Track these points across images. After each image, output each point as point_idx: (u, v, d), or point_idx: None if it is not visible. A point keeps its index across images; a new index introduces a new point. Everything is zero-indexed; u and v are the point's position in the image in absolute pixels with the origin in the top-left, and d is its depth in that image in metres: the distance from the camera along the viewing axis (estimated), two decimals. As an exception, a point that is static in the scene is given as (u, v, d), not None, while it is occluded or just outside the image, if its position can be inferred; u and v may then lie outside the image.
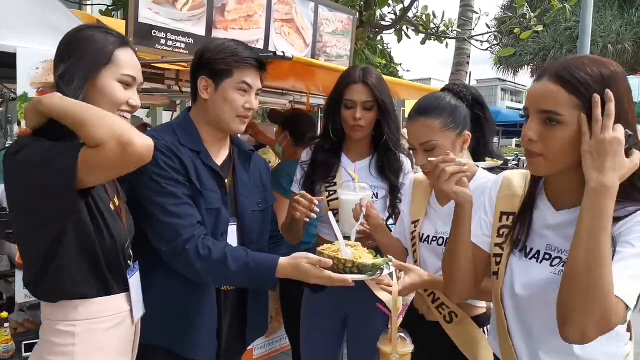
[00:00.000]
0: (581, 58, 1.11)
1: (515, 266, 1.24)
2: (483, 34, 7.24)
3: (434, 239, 1.68)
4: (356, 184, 1.88)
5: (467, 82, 8.95)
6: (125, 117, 1.35)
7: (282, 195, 2.53)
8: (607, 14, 17.29)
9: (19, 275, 2.11)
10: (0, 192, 2.96)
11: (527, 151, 1.14)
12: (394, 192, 2.04)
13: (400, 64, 9.69)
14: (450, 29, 6.72)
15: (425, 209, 1.74)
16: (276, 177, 2.64)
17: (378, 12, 6.13)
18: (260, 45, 2.86)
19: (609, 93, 1.03)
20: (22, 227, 1.27)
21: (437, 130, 1.56)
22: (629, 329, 1.22)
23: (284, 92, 3.92)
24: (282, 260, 1.48)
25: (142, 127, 4.14)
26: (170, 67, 2.82)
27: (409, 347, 1.44)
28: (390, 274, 1.51)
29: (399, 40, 6.45)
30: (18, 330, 2.19)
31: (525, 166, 1.26)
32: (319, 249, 1.53)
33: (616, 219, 1.05)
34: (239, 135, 1.89)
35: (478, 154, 1.69)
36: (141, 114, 6.30)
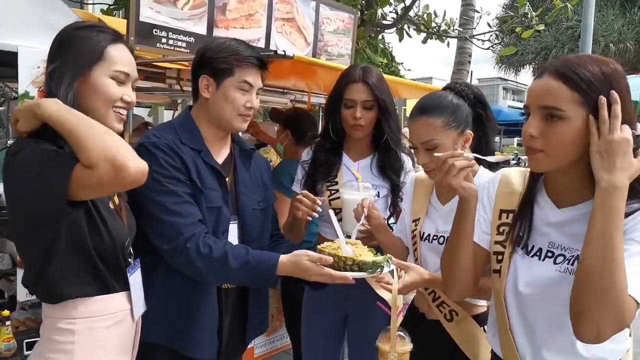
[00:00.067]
0: (582, 56, 1.13)
1: (518, 264, 1.24)
2: (484, 33, 7.23)
3: (435, 237, 1.68)
4: (359, 183, 1.88)
5: (468, 81, 8.94)
6: (121, 114, 1.34)
7: (283, 194, 2.53)
8: (609, 13, 17.27)
9: (20, 274, 2.12)
10: (0, 190, 2.96)
11: (528, 148, 1.14)
12: (395, 191, 2.04)
13: (402, 63, 9.70)
14: (451, 28, 6.71)
15: (426, 208, 1.74)
16: (277, 176, 2.64)
17: (379, 11, 6.12)
18: (261, 44, 2.86)
19: (615, 94, 1.04)
20: (18, 228, 1.27)
21: (439, 129, 1.56)
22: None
23: (285, 91, 3.92)
24: (283, 257, 1.48)
25: (144, 126, 4.14)
26: (172, 66, 2.82)
27: (407, 346, 1.44)
28: (392, 272, 1.52)
29: (400, 39, 6.45)
30: (20, 328, 2.19)
31: (526, 165, 1.26)
32: (319, 246, 1.54)
33: None
34: (240, 134, 1.89)
35: (479, 152, 1.68)
36: (142, 112, 6.30)
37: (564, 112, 1.07)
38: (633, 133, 1.03)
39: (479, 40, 7.33)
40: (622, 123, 1.04)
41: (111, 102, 1.31)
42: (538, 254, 1.22)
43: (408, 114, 1.79)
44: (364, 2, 5.89)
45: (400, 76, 9.12)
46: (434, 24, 6.47)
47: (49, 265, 1.23)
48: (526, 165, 1.25)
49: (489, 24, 7.36)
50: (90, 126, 1.16)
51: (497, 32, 7.21)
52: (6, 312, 2.07)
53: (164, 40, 2.39)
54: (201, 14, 2.54)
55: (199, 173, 1.59)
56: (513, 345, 1.24)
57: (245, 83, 1.61)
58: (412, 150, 1.75)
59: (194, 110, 1.70)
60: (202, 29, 2.56)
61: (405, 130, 2.65)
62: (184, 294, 1.58)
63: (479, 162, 1.33)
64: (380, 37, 7.45)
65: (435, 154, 1.25)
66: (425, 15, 6.36)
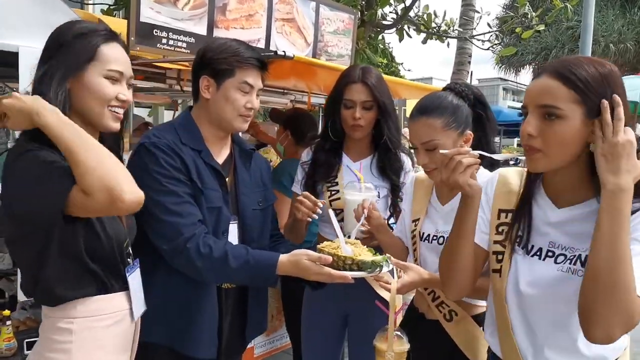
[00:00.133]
0: (579, 57, 1.14)
1: (519, 264, 1.24)
2: (484, 34, 7.25)
3: (435, 237, 1.68)
4: (362, 184, 1.88)
5: (468, 81, 8.95)
6: (117, 113, 1.34)
7: (283, 194, 2.54)
8: (609, 13, 17.26)
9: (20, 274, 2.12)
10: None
11: (526, 147, 1.15)
12: (395, 191, 2.04)
13: (402, 63, 9.72)
14: (451, 28, 6.72)
15: (426, 208, 1.74)
16: (277, 176, 2.65)
17: (379, 12, 6.13)
18: (261, 45, 2.87)
19: (617, 98, 1.06)
20: (12, 232, 1.28)
21: (439, 129, 1.56)
22: None
23: (285, 91, 3.93)
24: (282, 257, 1.49)
25: (144, 126, 4.15)
26: (172, 67, 2.82)
27: (405, 346, 1.44)
28: (391, 272, 1.52)
29: (400, 39, 6.46)
30: (20, 328, 2.19)
31: (524, 165, 1.27)
32: (319, 246, 1.54)
33: None
34: (240, 134, 1.89)
35: None
36: (143, 112, 6.31)
37: (562, 110, 1.08)
38: (636, 135, 1.05)
39: (479, 40, 7.35)
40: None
41: (106, 101, 1.31)
42: (538, 253, 1.22)
43: (408, 114, 1.79)
44: (364, 2, 5.89)
45: (400, 76, 9.14)
46: (434, 24, 6.48)
47: (43, 269, 1.24)
48: (524, 165, 1.25)
49: (489, 24, 7.38)
50: (90, 148, 1.15)
51: (497, 33, 7.22)
52: (7, 312, 2.07)
53: (164, 40, 2.40)
54: (201, 15, 2.55)
55: (199, 173, 1.59)
56: (515, 345, 1.24)
57: (246, 84, 1.61)
58: (412, 151, 1.76)
59: (194, 111, 1.70)
60: (202, 30, 2.56)
61: (405, 131, 2.66)
62: (184, 293, 1.59)
63: (481, 160, 1.33)
64: (380, 37, 7.46)
65: (441, 151, 1.25)
66: (425, 16, 6.37)
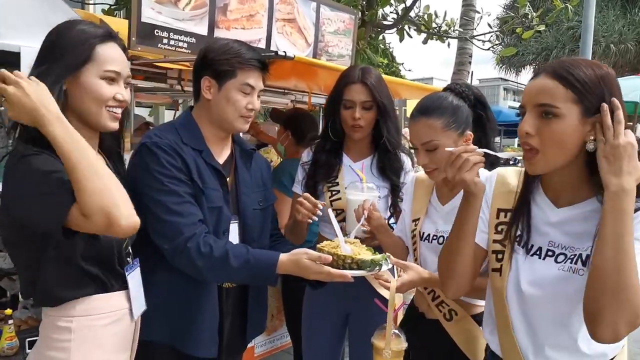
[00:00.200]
0: (576, 59, 1.16)
1: (520, 263, 1.25)
2: (485, 34, 7.26)
3: (435, 237, 1.69)
4: (364, 184, 1.89)
5: (469, 81, 8.95)
6: (115, 113, 1.34)
7: (283, 194, 2.54)
8: (610, 13, 17.24)
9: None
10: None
11: (524, 147, 1.17)
12: (395, 191, 2.05)
13: (402, 64, 9.70)
14: (452, 28, 6.73)
15: (426, 208, 1.75)
16: (277, 176, 2.65)
17: (380, 12, 6.14)
18: (262, 45, 2.87)
19: (616, 101, 1.08)
20: (9, 234, 1.29)
21: (439, 130, 1.57)
22: None
23: (286, 91, 3.93)
24: (283, 256, 1.49)
25: (145, 126, 4.16)
26: (173, 67, 2.83)
27: (402, 345, 1.45)
28: (392, 271, 1.53)
29: (401, 39, 6.47)
30: (22, 327, 2.20)
31: (521, 165, 1.28)
32: (318, 245, 1.55)
33: None
34: (241, 135, 1.90)
35: None
36: (143, 112, 6.33)
37: (559, 109, 1.10)
38: (637, 137, 1.06)
39: (479, 40, 7.35)
40: None
41: (103, 102, 1.31)
42: (538, 253, 1.23)
43: (408, 114, 1.80)
44: (364, 2, 5.90)
45: (401, 76, 9.14)
46: (434, 25, 6.49)
47: (42, 271, 1.25)
48: (522, 165, 1.27)
49: (489, 25, 7.39)
50: (94, 170, 1.16)
51: (498, 33, 7.23)
52: (9, 311, 2.08)
53: (165, 40, 2.40)
54: (202, 15, 2.56)
55: (200, 173, 1.59)
56: (515, 343, 1.25)
57: (247, 85, 1.62)
58: (412, 151, 1.76)
59: (195, 111, 1.71)
60: (203, 30, 2.57)
61: (406, 131, 2.66)
62: (184, 292, 1.59)
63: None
64: (380, 37, 7.47)
65: (447, 149, 1.26)
66: (425, 16, 6.38)
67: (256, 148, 2.06)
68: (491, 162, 1.61)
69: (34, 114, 1.16)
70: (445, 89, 1.72)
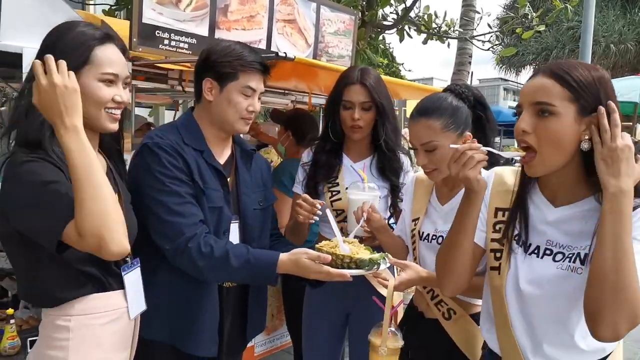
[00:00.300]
0: (573, 61, 1.19)
1: (518, 262, 1.27)
2: (485, 34, 7.26)
3: (434, 237, 1.70)
4: (365, 184, 1.90)
5: (469, 81, 8.96)
6: (114, 114, 1.34)
7: (283, 194, 2.55)
8: (610, 13, 17.25)
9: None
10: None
11: (520, 144, 1.18)
12: (394, 191, 2.06)
13: (402, 64, 9.71)
14: (452, 28, 6.73)
15: (426, 208, 1.76)
16: (278, 176, 2.66)
17: (380, 12, 6.15)
18: (262, 46, 2.88)
19: (612, 104, 1.09)
20: (7, 237, 1.30)
21: (438, 130, 1.58)
22: None
23: (286, 92, 3.94)
24: (283, 256, 1.50)
25: (146, 126, 4.16)
26: (174, 67, 2.84)
27: (398, 343, 1.47)
28: (391, 270, 1.54)
29: (401, 40, 6.47)
30: (23, 327, 2.21)
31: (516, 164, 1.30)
32: (317, 245, 1.56)
33: None
34: (241, 135, 1.91)
35: None
36: (143, 112, 6.33)
37: (555, 107, 1.12)
38: (633, 139, 1.08)
39: (479, 41, 7.35)
40: None
41: (102, 104, 1.31)
42: (536, 251, 1.25)
43: (408, 114, 1.80)
44: (364, 3, 5.91)
45: (401, 77, 9.15)
46: (434, 25, 6.49)
47: (39, 273, 1.26)
48: (517, 165, 1.28)
49: (489, 25, 7.38)
50: (96, 188, 1.16)
51: (498, 33, 7.23)
52: (10, 311, 2.08)
53: (166, 41, 2.41)
54: (203, 16, 2.56)
55: (201, 173, 1.60)
56: (514, 341, 1.26)
57: (249, 88, 1.63)
58: (411, 151, 1.77)
59: (196, 112, 1.72)
60: (204, 31, 2.58)
61: (405, 131, 2.67)
62: (185, 293, 1.60)
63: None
64: (380, 37, 7.47)
65: (452, 146, 1.27)
66: (425, 16, 6.39)
67: (256, 148, 2.07)
68: (491, 162, 1.62)
69: (54, 118, 1.16)
70: (445, 90, 1.73)
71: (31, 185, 1.17)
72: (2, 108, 4.82)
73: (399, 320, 1.81)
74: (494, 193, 1.35)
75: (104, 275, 1.33)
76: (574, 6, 6.36)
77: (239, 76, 1.61)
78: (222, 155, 1.73)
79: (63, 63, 1.17)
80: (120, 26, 2.47)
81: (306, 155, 2.16)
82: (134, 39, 2.27)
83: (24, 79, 2.04)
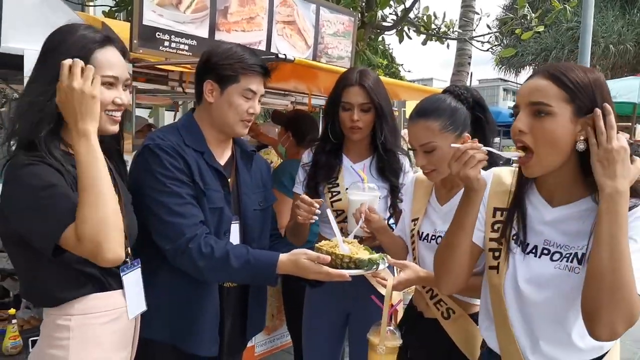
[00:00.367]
0: (569, 63, 1.21)
1: (517, 262, 1.28)
2: (484, 35, 7.28)
3: (433, 237, 1.71)
4: (365, 184, 1.91)
5: (468, 82, 8.97)
6: (115, 116, 1.36)
7: (283, 194, 2.56)
8: (609, 14, 17.26)
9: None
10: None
11: (517, 144, 1.20)
12: (394, 192, 2.07)
13: (402, 65, 9.74)
14: (451, 29, 6.75)
15: (425, 208, 1.77)
16: (278, 176, 2.68)
17: (379, 13, 6.15)
18: (262, 47, 2.89)
19: (608, 107, 1.11)
20: (8, 238, 1.31)
21: (436, 132, 1.59)
22: None
23: (286, 93, 3.95)
24: (282, 256, 1.51)
25: (147, 128, 4.17)
26: (174, 69, 2.85)
27: (397, 341, 1.49)
28: (391, 270, 1.55)
29: (400, 40, 6.48)
30: (24, 327, 2.21)
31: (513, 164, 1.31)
32: (317, 245, 1.57)
33: None
34: (241, 136, 1.91)
35: None
36: (143, 113, 6.34)
37: (552, 107, 1.14)
38: (627, 140, 1.09)
39: (478, 41, 7.37)
40: None
41: (102, 107, 1.31)
42: (534, 251, 1.26)
43: (408, 115, 1.82)
44: (364, 4, 5.92)
45: (401, 77, 9.16)
46: (433, 26, 6.51)
47: (40, 273, 1.27)
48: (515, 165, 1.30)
49: (488, 26, 7.38)
50: (99, 196, 1.19)
51: (497, 34, 7.24)
52: (12, 311, 2.09)
53: (166, 43, 2.42)
54: (203, 18, 2.57)
55: (202, 174, 1.61)
56: (513, 338, 1.28)
57: (249, 91, 1.64)
58: (410, 152, 1.78)
59: (197, 113, 1.73)
60: (204, 32, 2.59)
61: (405, 132, 2.68)
62: (186, 293, 1.61)
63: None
64: (380, 38, 7.48)
65: (453, 145, 1.29)
66: (425, 17, 6.40)
67: (256, 149, 2.08)
68: (490, 163, 1.63)
69: (69, 120, 1.21)
70: (444, 91, 1.74)
71: (31, 188, 1.19)
72: (2, 109, 4.83)
73: (398, 320, 1.82)
74: (492, 193, 1.37)
75: (103, 275, 1.34)
76: (573, 7, 6.37)
77: (240, 79, 1.63)
78: (223, 156, 1.74)
79: (90, 69, 1.22)
80: (121, 28, 2.48)
81: (306, 156, 2.17)
82: (135, 41, 2.28)
83: (25, 81, 2.07)
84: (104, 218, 1.17)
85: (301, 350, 2.30)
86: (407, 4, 6.17)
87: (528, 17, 6.40)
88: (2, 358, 2.02)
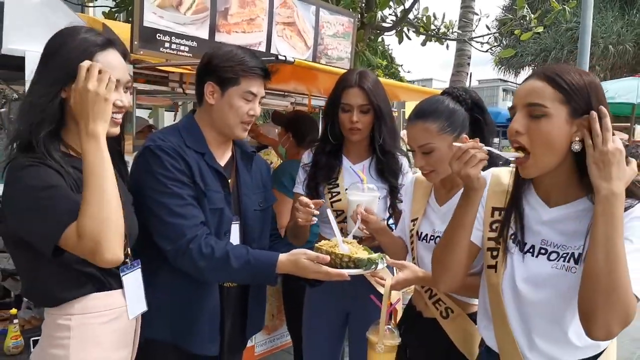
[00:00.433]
0: (565, 65, 1.23)
1: (515, 261, 1.29)
2: (483, 36, 7.29)
3: (432, 237, 1.72)
4: (364, 185, 1.92)
5: (467, 83, 8.98)
6: (116, 118, 1.36)
7: (283, 195, 2.57)
8: (608, 14, 17.28)
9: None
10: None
11: (514, 145, 1.21)
12: (393, 192, 2.08)
13: (401, 65, 9.74)
14: (450, 30, 6.75)
15: (424, 208, 1.78)
16: (278, 177, 2.69)
17: (379, 14, 6.16)
18: (262, 48, 2.90)
19: (603, 109, 1.12)
20: (9, 239, 1.32)
21: (435, 133, 1.60)
22: None
23: (286, 93, 3.96)
24: (282, 256, 1.52)
25: (148, 129, 4.17)
26: (175, 70, 2.86)
27: (395, 340, 1.50)
28: (390, 269, 1.56)
29: (400, 41, 6.48)
30: (25, 327, 2.22)
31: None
32: (316, 245, 1.58)
33: None
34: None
35: None
36: (143, 114, 6.34)
37: (548, 108, 1.15)
38: (623, 142, 1.11)
39: (478, 42, 7.38)
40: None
41: None
42: (531, 251, 1.27)
43: (407, 116, 1.82)
44: (363, 5, 5.93)
45: (400, 78, 9.17)
46: (433, 27, 6.51)
47: (40, 273, 1.28)
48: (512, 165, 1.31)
49: (487, 27, 7.38)
50: (103, 196, 1.20)
51: (496, 34, 7.24)
52: (14, 311, 2.10)
53: (167, 44, 2.43)
54: (203, 19, 2.58)
55: (203, 175, 1.62)
56: (512, 336, 1.29)
57: (250, 93, 1.65)
58: (409, 153, 1.79)
59: (197, 114, 1.74)
60: (204, 34, 2.60)
61: (404, 133, 2.70)
62: (187, 293, 1.62)
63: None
64: (380, 39, 7.49)
65: (455, 144, 1.30)
66: (424, 18, 6.40)
67: (256, 150, 2.09)
68: (489, 163, 1.64)
69: (80, 120, 1.23)
70: (442, 93, 1.74)
71: (31, 189, 1.20)
72: (2, 110, 4.83)
73: (398, 319, 1.83)
74: (491, 193, 1.38)
75: (103, 275, 1.34)
76: (572, 7, 6.37)
77: (241, 81, 1.64)
78: (223, 157, 1.75)
79: (106, 73, 1.24)
80: (122, 29, 2.49)
81: (306, 157, 2.18)
82: (135, 42, 2.29)
83: (26, 83, 2.07)
84: (107, 218, 1.19)
85: (301, 350, 2.31)
86: (407, 5, 6.18)
87: (527, 18, 6.41)
88: (3, 358, 2.03)
